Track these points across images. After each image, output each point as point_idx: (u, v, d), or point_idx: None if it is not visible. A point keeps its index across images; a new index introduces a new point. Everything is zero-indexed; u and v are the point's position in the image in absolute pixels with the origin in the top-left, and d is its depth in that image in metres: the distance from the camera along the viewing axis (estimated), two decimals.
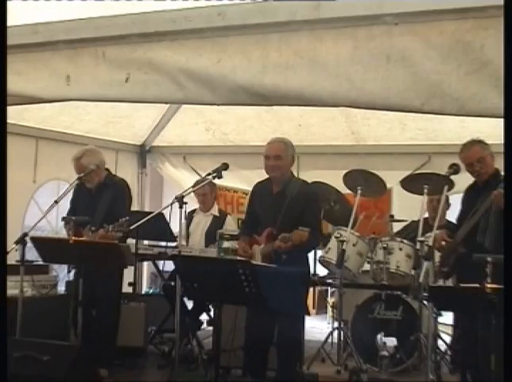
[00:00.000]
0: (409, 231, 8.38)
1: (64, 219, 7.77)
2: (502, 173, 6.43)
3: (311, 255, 8.56)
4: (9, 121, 8.88)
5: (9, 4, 5.23)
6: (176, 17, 4.99)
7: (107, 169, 8.04)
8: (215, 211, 9.34)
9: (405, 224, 9.03)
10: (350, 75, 4.64)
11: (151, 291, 11.65)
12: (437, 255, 7.08)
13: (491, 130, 8.45)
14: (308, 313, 6.83)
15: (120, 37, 5.28)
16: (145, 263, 11.25)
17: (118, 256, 6.85)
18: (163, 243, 9.40)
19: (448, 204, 8.28)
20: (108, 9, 5.24)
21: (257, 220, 7.24)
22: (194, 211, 9.31)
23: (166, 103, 8.92)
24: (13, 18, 5.10)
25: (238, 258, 6.77)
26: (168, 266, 9.47)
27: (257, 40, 4.87)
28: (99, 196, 7.81)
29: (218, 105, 5.40)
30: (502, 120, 4.85)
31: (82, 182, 7.74)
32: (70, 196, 7.93)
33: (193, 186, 7.85)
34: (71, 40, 5.42)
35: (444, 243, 6.93)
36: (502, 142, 7.93)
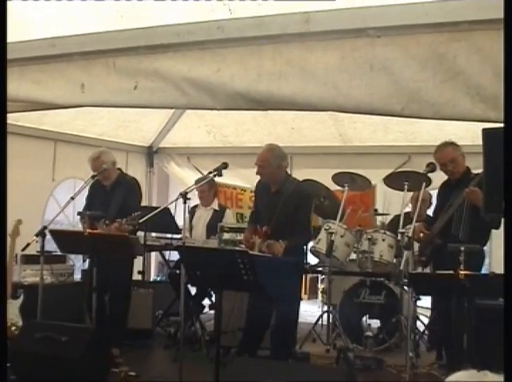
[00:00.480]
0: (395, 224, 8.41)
1: (79, 213, 7.79)
2: (474, 172, 6.48)
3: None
4: (29, 125, 9.06)
5: (28, 18, 5.25)
6: (180, 31, 4.99)
7: (119, 169, 8.08)
8: (215, 205, 9.34)
9: (390, 217, 9.07)
10: (337, 82, 4.64)
11: (158, 279, 11.64)
12: (416, 246, 7.11)
13: (464, 133, 8.53)
14: (300, 298, 6.83)
15: (129, 48, 5.27)
16: (153, 253, 11.27)
17: (128, 247, 6.88)
18: (169, 235, 9.39)
19: (430, 202, 8.31)
20: (117, 23, 5.24)
21: (260, 214, 7.31)
22: (196, 206, 9.32)
23: (171, 108, 8.96)
24: (32, 32, 5.11)
25: (238, 248, 6.79)
26: (174, 256, 9.50)
27: (253, 51, 4.86)
28: (113, 192, 7.85)
29: (218, 110, 5.39)
30: (473, 123, 4.86)
31: (97, 180, 7.77)
32: (85, 193, 7.94)
33: (195, 184, 7.87)
34: (85, 52, 5.42)
35: (421, 234, 6.96)
36: (474, 143, 8.03)
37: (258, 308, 6.92)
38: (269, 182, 7.08)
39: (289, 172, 9.76)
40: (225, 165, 6.76)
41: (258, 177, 7.19)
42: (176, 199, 6.57)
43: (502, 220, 6.22)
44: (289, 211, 6.87)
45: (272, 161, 6.95)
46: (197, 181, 8.12)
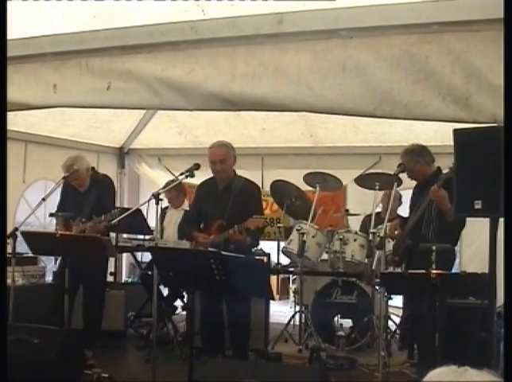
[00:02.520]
0: (366, 225, 8.46)
1: (51, 215, 7.77)
2: (444, 172, 6.53)
3: (275, 246, 8.66)
4: None
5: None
6: (153, 31, 4.98)
7: (93, 168, 8.04)
8: (185, 206, 9.35)
9: (361, 217, 9.11)
10: (310, 83, 4.66)
11: (130, 280, 11.58)
12: (388, 245, 7.15)
13: (434, 134, 8.61)
14: (273, 298, 6.86)
15: (102, 49, 5.25)
16: (124, 255, 11.22)
17: (101, 248, 6.87)
18: (140, 237, 9.38)
19: (400, 202, 8.37)
20: (90, 24, 5.22)
21: (202, 215, 7.38)
22: (167, 207, 9.33)
23: (144, 109, 8.94)
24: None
25: (210, 248, 6.81)
26: (145, 257, 9.49)
27: (226, 52, 4.87)
28: (87, 192, 7.83)
29: (190, 110, 5.41)
30: (443, 124, 4.91)
31: (69, 183, 7.72)
32: (57, 194, 7.90)
33: (163, 187, 7.85)
34: (58, 52, 5.39)
35: (396, 232, 7.02)
36: (444, 143, 8.10)
37: (210, 309, 7.04)
38: (220, 179, 7.15)
39: (261, 172, 9.88)
40: (197, 166, 6.77)
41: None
42: (149, 200, 6.57)
43: (470, 220, 6.35)
44: (241, 206, 7.03)
45: (229, 154, 7.14)
46: (167, 184, 8.10)
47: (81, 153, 8.25)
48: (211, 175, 7.30)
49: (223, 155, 7.08)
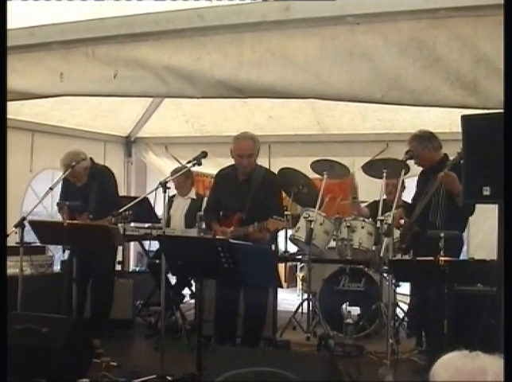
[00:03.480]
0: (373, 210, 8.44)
1: (58, 204, 7.76)
2: (451, 158, 6.50)
3: (282, 234, 8.64)
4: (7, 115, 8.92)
5: (7, 8, 5.20)
6: (159, 19, 4.97)
7: (91, 159, 7.96)
8: (192, 195, 9.35)
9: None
10: (317, 70, 4.65)
11: (137, 269, 11.62)
12: (396, 233, 7.14)
13: (441, 121, 8.59)
14: (281, 286, 6.87)
15: (108, 37, 5.24)
16: (132, 243, 11.24)
17: (108, 237, 6.86)
18: (147, 225, 9.38)
19: (403, 187, 8.35)
20: (97, 12, 5.21)
21: (221, 205, 7.33)
22: (174, 195, 9.31)
23: (151, 96, 8.92)
24: (11, 22, 5.05)
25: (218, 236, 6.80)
26: (153, 246, 9.50)
27: (233, 38, 4.86)
28: (89, 185, 7.78)
29: (198, 98, 5.38)
30: (451, 111, 4.89)
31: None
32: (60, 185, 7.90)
33: (171, 174, 7.84)
34: (64, 41, 5.37)
35: (401, 221, 7.00)
36: (451, 130, 8.07)
37: (226, 297, 7.02)
38: (245, 171, 7.10)
39: (268, 160, 9.85)
40: (204, 155, 6.74)
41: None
42: (156, 188, 6.56)
43: (478, 206, 6.34)
44: (261, 198, 6.99)
45: (256, 147, 7.04)
46: (174, 172, 8.08)
47: (79, 149, 8.16)
48: (228, 163, 7.26)
49: (250, 149, 6.98)
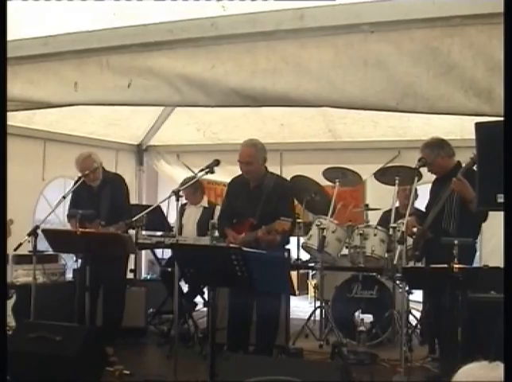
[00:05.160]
0: (385, 220, 8.44)
1: (70, 212, 7.79)
2: (464, 165, 6.50)
3: (294, 242, 8.64)
4: (19, 124, 9.00)
5: (20, 17, 5.24)
6: (173, 28, 4.99)
7: (103, 168, 8.03)
8: (204, 203, 9.36)
9: (381, 212, 9.08)
10: (331, 78, 4.65)
11: (149, 277, 11.63)
12: (409, 240, 7.13)
13: (453, 128, 8.59)
14: (294, 294, 6.87)
15: (122, 46, 5.27)
16: (143, 252, 11.25)
17: (121, 245, 6.88)
18: (158, 233, 9.39)
19: (416, 195, 8.34)
20: (111, 21, 5.24)
21: (234, 212, 7.36)
22: (186, 204, 9.32)
23: (165, 105, 8.97)
24: (25, 31, 5.10)
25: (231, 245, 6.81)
26: (166, 254, 9.51)
27: (247, 47, 4.87)
28: (101, 192, 7.83)
29: (212, 107, 5.42)
30: (462, 118, 4.89)
31: (82, 181, 7.72)
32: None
33: (181, 184, 7.86)
34: (78, 50, 5.41)
35: (414, 229, 6.99)
36: (463, 137, 8.06)
37: (239, 305, 7.03)
38: (251, 178, 7.15)
39: (279, 168, 9.86)
40: (217, 163, 6.77)
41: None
42: (169, 197, 6.58)
43: (490, 213, 6.33)
44: (272, 204, 7.03)
45: (257, 156, 7.07)
46: (183, 182, 8.08)
47: (92, 149, 8.25)
48: (239, 171, 7.30)
49: (249, 156, 7.05)
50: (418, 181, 7.10)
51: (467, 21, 4.28)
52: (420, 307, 8.61)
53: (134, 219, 6.89)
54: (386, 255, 7.96)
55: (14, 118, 8.64)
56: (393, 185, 7.47)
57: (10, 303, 7.23)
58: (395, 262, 6.45)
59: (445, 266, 5.66)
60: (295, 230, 7.89)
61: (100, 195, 7.84)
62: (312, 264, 8.91)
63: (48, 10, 5.30)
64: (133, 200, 10.19)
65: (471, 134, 4.66)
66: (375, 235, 8.06)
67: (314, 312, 8.64)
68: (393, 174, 7.52)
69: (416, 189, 8.22)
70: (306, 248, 8.43)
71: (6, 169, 4.84)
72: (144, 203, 11.40)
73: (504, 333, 2.76)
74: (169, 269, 8.16)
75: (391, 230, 7.30)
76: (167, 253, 9.45)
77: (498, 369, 2.11)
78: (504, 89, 3.80)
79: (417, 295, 8.37)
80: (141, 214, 6.84)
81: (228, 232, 7.26)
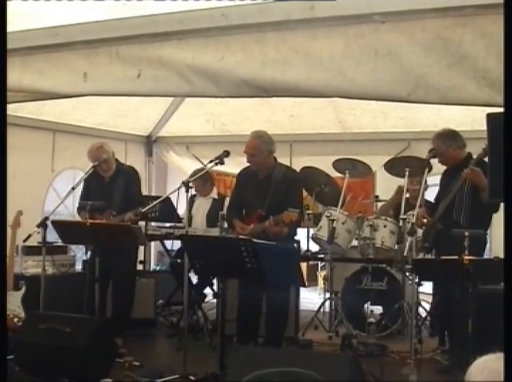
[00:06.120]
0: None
1: (80, 204, 7.80)
2: (474, 156, 6.48)
3: (304, 233, 8.63)
4: (28, 115, 9.00)
5: (30, 7, 5.23)
6: (183, 18, 4.97)
7: (116, 159, 8.05)
8: (214, 194, 9.35)
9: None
10: (342, 68, 4.64)
11: (158, 268, 11.64)
12: (419, 231, 7.10)
13: (463, 119, 8.55)
14: (304, 285, 6.84)
15: (132, 36, 5.26)
16: (153, 243, 11.26)
17: (131, 237, 6.87)
18: (168, 225, 9.39)
19: (426, 185, 8.30)
20: (120, 11, 5.22)
21: (243, 203, 7.39)
22: (195, 195, 9.31)
23: (175, 96, 8.98)
24: (35, 21, 5.09)
25: (240, 236, 6.80)
26: (175, 245, 9.51)
27: (257, 38, 4.86)
28: (113, 183, 7.85)
29: (222, 97, 5.41)
30: (473, 109, 4.85)
31: (94, 172, 7.73)
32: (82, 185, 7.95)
33: (191, 175, 7.86)
34: (88, 40, 5.41)
35: (424, 220, 6.97)
36: (473, 128, 8.02)
37: (248, 296, 7.04)
38: (259, 169, 7.16)
39: (289, 159, 9.83)
40: (227, 154, 6.75)
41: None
42: (179, 188, 6.57)
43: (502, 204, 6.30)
44: (281, 196, 7.04)
45: (262, 148, 7.06)
46: (193, 174, 8.08)
47: (104, 140, 8.29)
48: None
49: (253, 148, 7.08)
50: (429, 172, 7.06)
51: (480, 10, 4.26)
52: (430, 299, 8.59)
53: (144, 209, 6.88)
54: (396, 247, 7.94)
55: (23, 109, 8.64)
56: (403, 176, 7.43)
57: (19, 294, 7.21)
58: (405, 253, 6.42)
59: (455, 257, 5.64)
60: (303, 221, 7.87)
61: (113, 186, 7.86)
62: (322, 256, 8.90)
63: (59, 1, 5.28)
64: (143, 191, 10.15)
65: (481, 125, 4.63)
66: (385, 226, 8.05)
67: (323, 303, 8.64)
68: (403, 166, 7.48)
69: (426, 180, 8.19)
70: (316, 239, 8.42)
71: (6, 160, 4.83)
72: (153, 194, 11.39)
73: (504, 330, 2.75)
74: (179, 260, 8.16)
75: (401, 221, 7.27)
76: (176, 244, 9.44)
77: None
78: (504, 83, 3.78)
79: (427, 287, 8.34)
80: (151, 205, 6.84)
81: (236, 223, 7.26)
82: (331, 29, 4.63)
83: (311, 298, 10.88)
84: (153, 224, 9.31)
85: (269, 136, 7.17)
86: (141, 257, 8.81)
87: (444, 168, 7.05)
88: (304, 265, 10.56)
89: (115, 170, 7.92)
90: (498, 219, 7.36)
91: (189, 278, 7.63)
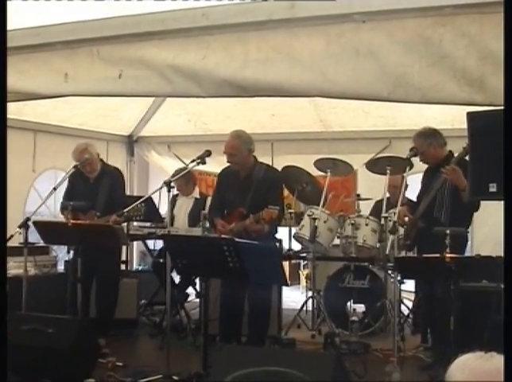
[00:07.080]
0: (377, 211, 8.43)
1: (62, 204, 7.77)
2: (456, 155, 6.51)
3: (286, 232, 8.64)
4: (9, 116, 8.81)
5: (11, 8, 5.19)
6: (164, 18, 4.98)
7: (101, 160, 8.04)
8: (196, 194, 9.34)
9: (372, 202, 9.06)
10: (323, 68, 4.66)
11: (140, 268, 11.61)
12: (401, 230, 7.12)
13: (444, 117, 8.59)
14: (287, 284, 6.86)
15: (113, 37, 5.26)
16: (135, 243, 11.24)
17: (113, 237, 6.86)
18: (148, 224, 9.37)
19: (406, 185, 8.34)
20: (102, 11, 5.21)
21: (224, 202, 7.40)
22: (177, 195, 9.29)
23: (156, 96, 8.95)
24: (16, 22, 5.07)
25: (222, 236, 6.80)
26: (157, 245, 9.50)
27: (239, 37, 4.87)
28: (98, 184, 7.86)
29: (203, 97, 5.40)
30: (453, 108, 4.87)
31: (79, 172, 7.72)
32: (65, 185, 7.91)
33: (173, 175, 7.85)
34: (68, 41, 5.40)
35: (406, 218, 6.99)
36: (454, 127, 8.05)
37: (232, 295, 7.04)
38: (239, 169, 7.18)
39: (270, 158, 9.83)
40: (208, 153, 6.75)
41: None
42: (161, 187, 6.55)
43: (482, 202, 6.33)
44: (262, 194, 7.05)
45: (241, 147, 7.08)
46: (175, 173, 8.08)
47: (89, 141, 8.27)
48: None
49: (231, 148, 7.11)
50: (409, 170, 7.09)
51: (459, 10, 4.29)
52: (412, 297, 8.63)
53: (126, 210, 6.87)
54: (378, 245, 7.95)
55: None
56: (385, 174, 7.46)
57: None
58: (387, 252, 6.44)
59: (437, 255, 5.66)
60: (283, 219, 7.88)
61: (98, 186, 7.86)
62: (304, 254, 8.90)
63: (39, 1, 5.27)
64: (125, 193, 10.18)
65: (461, 123, 4.66)
66: (367, 225, 8.07)
67: (306, 302, 8.64)
68: (385, 164, 7.51)
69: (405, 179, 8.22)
70: (298, 238, 8.43)
71: (6, 167, 4.81)
72: (135, 194, 11.35)
73: (504, 329, 2.75)
74: (161, 260, 8.15)
75: (383, 220, 7.29)
76: (159, 244, 9.42)
77: (493, 360, 2.10)
78: (504, 82, 3.80)
79: (409, 285, 8.38)
80: (133, 205, 6.81)
81: (217, 222, 7.27)
82: (312, 28, 4.65)
83: (293, 297, 10.86)
84: (135, 223, 9.28)
85: (248, 135, 7.19)
86: (123, 257, 8.81)
87: (425, 166, 7.08)
88: (286, 264, 10.55)
89: (100, 171, 7.91)
90: (479, 217, 7.43)
91: (172, 278, 7.62)
